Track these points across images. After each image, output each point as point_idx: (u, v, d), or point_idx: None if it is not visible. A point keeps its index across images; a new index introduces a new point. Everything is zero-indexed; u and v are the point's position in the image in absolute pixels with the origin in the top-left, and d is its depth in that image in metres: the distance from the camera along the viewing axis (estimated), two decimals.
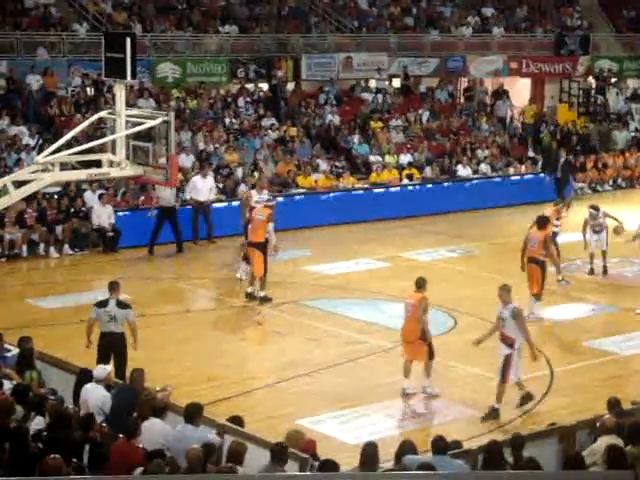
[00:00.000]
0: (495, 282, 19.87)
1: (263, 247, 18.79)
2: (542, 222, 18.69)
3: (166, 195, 23.05)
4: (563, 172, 29.34)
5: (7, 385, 11.53)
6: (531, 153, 32.77)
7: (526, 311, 15.95)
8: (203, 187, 23.95)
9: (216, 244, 23.84)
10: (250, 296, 18.85)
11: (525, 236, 18.66)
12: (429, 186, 28.79)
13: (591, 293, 20.11)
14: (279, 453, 9.50)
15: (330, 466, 9.36)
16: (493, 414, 13.72)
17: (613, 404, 11.28)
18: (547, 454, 10.62)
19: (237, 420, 11.27)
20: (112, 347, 13.80)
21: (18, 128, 25.57)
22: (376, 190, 27.72)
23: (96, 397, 11.72)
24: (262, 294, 18.76)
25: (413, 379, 14.64)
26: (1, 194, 14.69)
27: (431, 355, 14.69)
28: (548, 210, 20.81)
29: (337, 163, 29.07)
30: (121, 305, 14.01)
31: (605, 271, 21.28)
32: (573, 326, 18.11)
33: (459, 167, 29.75)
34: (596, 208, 21.39)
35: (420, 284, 14.87)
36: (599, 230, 21.13)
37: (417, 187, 28.62)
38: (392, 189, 27.99)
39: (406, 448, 10.14)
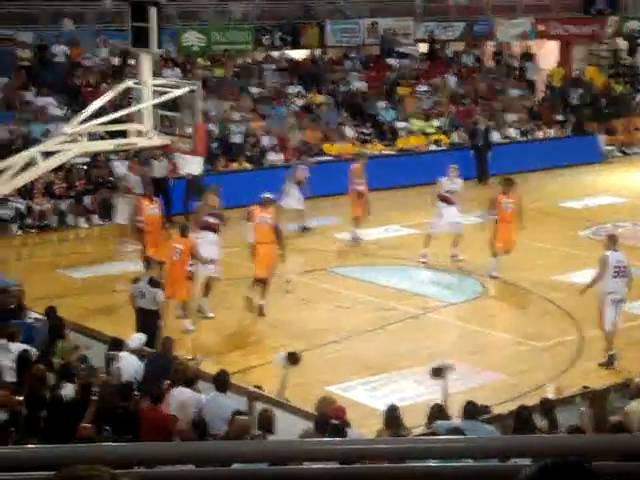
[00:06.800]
0: (524, 247, 19.89)
1: None
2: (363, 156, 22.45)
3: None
4: (484, 141, 27.88)
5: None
6: (560, 116, 32.48)
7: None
8: (194, 160, 22.49)
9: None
10: None
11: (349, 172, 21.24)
12: (457, 151, 28.63)
13: None
14: (322, 422, 9.53)
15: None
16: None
17: None
18: (578, 418, 10.60)
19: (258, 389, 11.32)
20: (143, 323, 13.87)
21: (45, 99, 25.61)
22: (403, 156, 27.60)
23: (130, 366, 11.80)
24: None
25: None
26: (30, 165, 14.74)
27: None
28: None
29: (364, 130, 28.96)
30: (152, 283, 14.08)
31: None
32: None
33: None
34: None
35: (185, 230, 15.80)
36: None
37: (445, 152, 28.47)
38: (419, 155, 27.85)
39: (436, 413, 10.17)
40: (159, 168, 23.22)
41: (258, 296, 16.47)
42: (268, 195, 16.85)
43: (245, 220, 16.89)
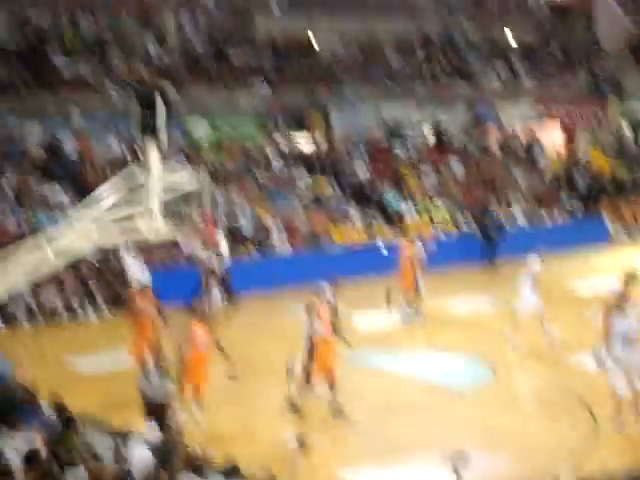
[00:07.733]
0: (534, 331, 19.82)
1: None
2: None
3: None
4: (495, 225, 28.61)
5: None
6: (566, 199, 32.66)
7: None
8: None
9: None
10: None
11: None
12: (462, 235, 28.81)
13: None
14: None
15: None
16: None
17: None
18: None
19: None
20: (153, 414, 13.80)
21: (51, 187, 25.77)
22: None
23: (141, 459, 11.65)
24: None
25: None
26: (41, 259, 14.77)
27: None
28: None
29: (370, 216, 29.11)
30: (161, 373, 14.09)
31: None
32: None
33: None
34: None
35: (204, 316, 15.77)
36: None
37: (450, 237, 28.65)
38: (425, 239, 27.94)
39: None
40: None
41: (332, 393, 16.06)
42: (324, 285, 16.59)
43: (305, 313, 16.22)
